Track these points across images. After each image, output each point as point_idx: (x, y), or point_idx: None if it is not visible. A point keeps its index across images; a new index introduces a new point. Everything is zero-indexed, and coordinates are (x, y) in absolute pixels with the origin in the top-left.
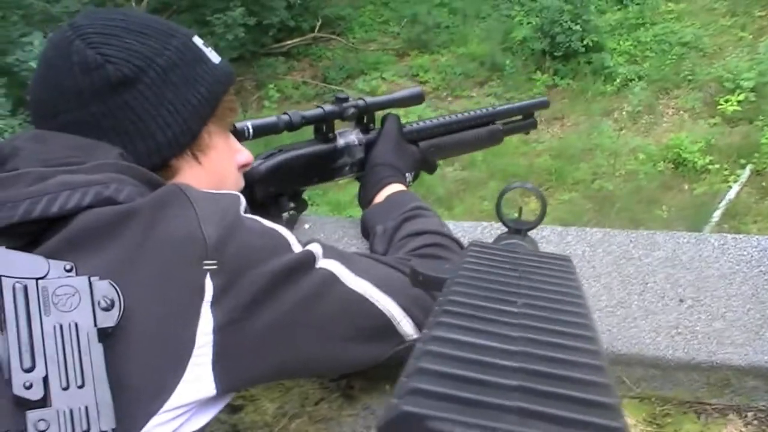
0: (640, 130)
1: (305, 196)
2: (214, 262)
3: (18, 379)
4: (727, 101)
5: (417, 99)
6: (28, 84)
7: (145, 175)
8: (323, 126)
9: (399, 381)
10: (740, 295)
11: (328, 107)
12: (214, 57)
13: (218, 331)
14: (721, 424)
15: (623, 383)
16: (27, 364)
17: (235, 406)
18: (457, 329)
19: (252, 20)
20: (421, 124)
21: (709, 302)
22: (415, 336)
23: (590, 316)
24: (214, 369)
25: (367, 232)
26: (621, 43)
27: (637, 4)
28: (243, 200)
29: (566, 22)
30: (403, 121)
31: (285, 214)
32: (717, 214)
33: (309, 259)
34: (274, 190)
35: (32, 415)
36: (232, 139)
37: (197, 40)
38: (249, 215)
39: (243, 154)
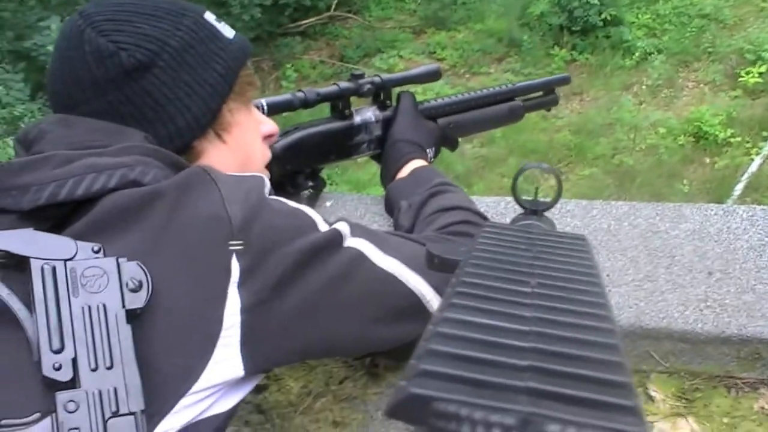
0: (660, 104)
1: (323, 174)
2: (240, 242)
3: (47, 360)
4: (748, 73)
5: (434, 75)
6: (46, 70)
7: (170, 158)
8: (339, 103)
9: (408, 363)
10: None
11: (344, 84)
12: (228, 32)
13: (245, 311)
14: (752, 398)
15: (651, 358)
16: (56, 345)
17: (260, 386)
18: (469, 310)
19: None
20: (440, 101)
21: (738, 275)
22: None
23: (605, 294)
24: (242, 350)
25: (391, 207)
26: (640, 16)
27: None
28: (267, 182)
29: None
30: (420, 98)
31: (305, 192)
32: (739, 188)
33: (336, 238)
34: (291, 168)
35: (61, 396)
36: (255, 112)
37: (209, 16)
38: (274, 196)
39: (267, 126)
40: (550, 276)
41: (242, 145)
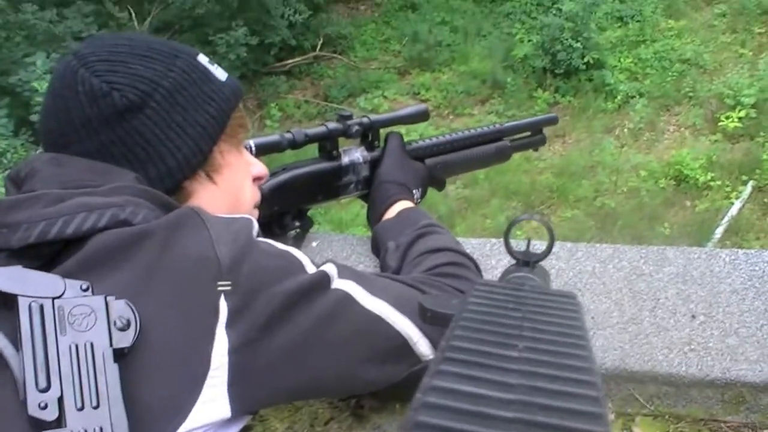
0: (642, 147)
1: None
2: (228, 282)
3: (33, 399)
4: (728, 118)
5: (422, 116)
6: (40, 109)
7: (160, 199)
8: (327, 144)
9: None
10: (753, 310)
11: (332, 125)
12: (221, 74)
13: (233, 352)
14: None
15: (636, 400)
16: (42, 384)
17: (245, 426)
18: (456, 378)
19: (254, 39)
20: (427, 141)
21: (722, 318)
22: (431, 356)
23: (592, 358)
24: (229, 391)
25: (377, 248)
26: (622, 60)
27: (638, 21)
28: (256, 223)
29: (567, 39)
30: (406, 138)
31: (291, 233)
32: (719, 231)
33: (324, 279)
34: (279, 209)
35: None
36: (245, 154)
37: (202, 59)
38: (262, 238)
39: (257, 168)
40: (539, 339)
41: (232, 186)
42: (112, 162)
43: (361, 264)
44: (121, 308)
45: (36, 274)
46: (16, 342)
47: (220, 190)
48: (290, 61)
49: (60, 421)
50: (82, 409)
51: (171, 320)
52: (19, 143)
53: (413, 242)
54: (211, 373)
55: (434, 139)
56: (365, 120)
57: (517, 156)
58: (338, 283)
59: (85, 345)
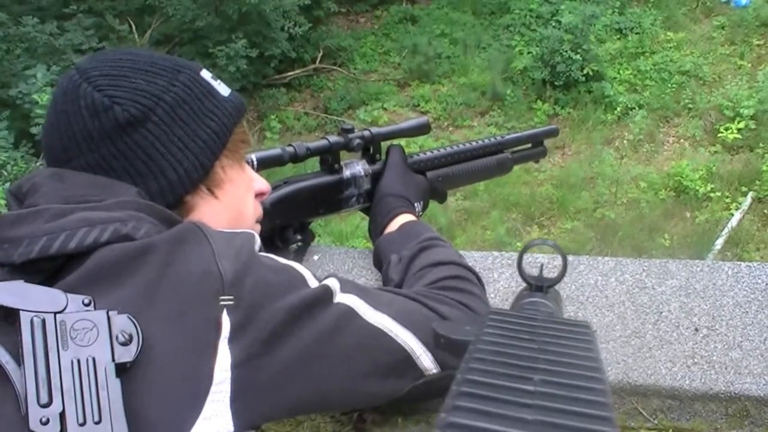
0: (641, 159)
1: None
2: (231, 297)
3: (35, 414)
4: (727, 129)
5: (423, 129)
6: (30, 116)
7: (163, 214)
8: (329, 157)
9: None
10: (756, 323)
11: (334, 138)
12: (224, 89)
13: (236, 367)
14: None
15: (640, 414)
16: (44, 399)
17: None
18: (472, 414)
19: (254, 52)
20: (428, 154)
21: (725, 331)
22: (434, 370)
23: (608, 391)
24: (232, 405)
25: (379, 261)
26: (621, 72)
27: (637, 33)
28: (258, 238)
29: (566, 51)
30: (406, 151)
31: (293, 246)
32: (719, 242)
33: (326, 294)
34: (280, 222)
35: None
36: (248, 169)
37: (205, 74)
38: (264, 253)
39: (259, 183)
40: (553, 372)
41: (234, 201)
42: (114, 176)
43: (363, 277)
44: (123, 323)
45: (38, 289)
46: (17, 357)
47: (221, 205)
48: (290, 73)
49: None
50: (83, 424)
51: (174, 335)
52: (19, 155)
53: (416, 256)
54: (213, 388)
55: (435, 152)
56: (367, 133)
57: (516, 167)
58: (341, 297)
59: (87, 360)
